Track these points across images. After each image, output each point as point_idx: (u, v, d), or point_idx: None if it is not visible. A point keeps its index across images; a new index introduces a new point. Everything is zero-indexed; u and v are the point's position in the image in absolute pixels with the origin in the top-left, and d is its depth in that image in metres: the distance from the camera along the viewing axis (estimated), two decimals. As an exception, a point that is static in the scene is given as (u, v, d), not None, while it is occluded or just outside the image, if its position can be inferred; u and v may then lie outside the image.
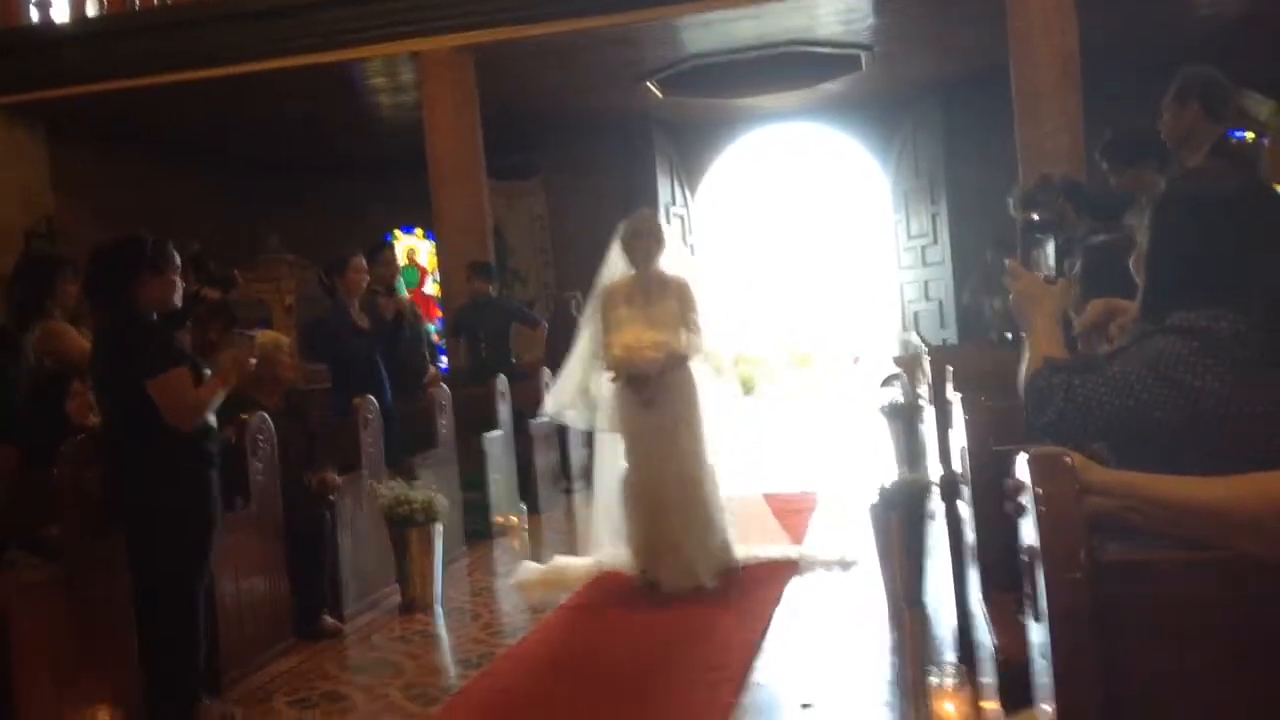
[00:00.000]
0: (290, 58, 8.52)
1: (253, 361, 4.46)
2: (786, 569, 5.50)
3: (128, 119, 9.56)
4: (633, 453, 5.37)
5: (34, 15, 9.25)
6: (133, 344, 3.84)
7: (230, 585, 4.43)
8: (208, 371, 3.99)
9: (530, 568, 5.83)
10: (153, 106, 9.18)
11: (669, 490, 5.25)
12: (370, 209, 11.70)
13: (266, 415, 4.86)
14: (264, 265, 11.18)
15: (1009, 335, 6.36)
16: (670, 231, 5.49)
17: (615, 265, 5.51)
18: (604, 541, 5.67)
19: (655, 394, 5.23)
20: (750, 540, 5.67)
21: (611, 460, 5.55)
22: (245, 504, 4.68)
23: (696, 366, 5.43)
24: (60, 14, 9.33)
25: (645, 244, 5.40)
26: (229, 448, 4.52)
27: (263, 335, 5.56)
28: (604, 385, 5.44)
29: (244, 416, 4.72)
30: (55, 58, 8.92)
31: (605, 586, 5.46)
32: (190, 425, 3.85)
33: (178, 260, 3.96)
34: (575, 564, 5.76)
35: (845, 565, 5.52)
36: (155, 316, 3.92)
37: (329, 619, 5.06)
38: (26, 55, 8.98)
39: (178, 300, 4.00)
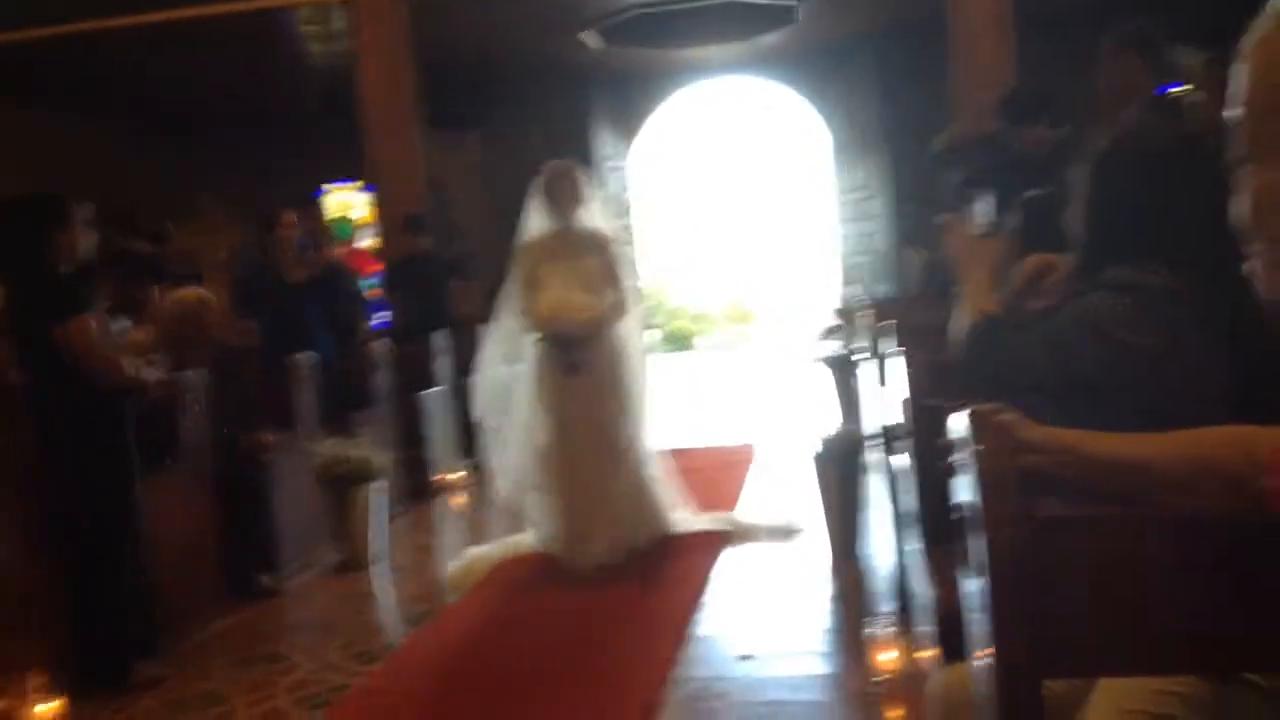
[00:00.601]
0: (220, 4, 8.27)
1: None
2: (722, 538, 5.23)
3: (48, 71, 9.24)
4: (554, 424, 4.96)
5: (-54, -42, 8.87)
6: (39, 295, 3.87)
7: (164, 546, 4.36)
8: (127, 323, 3.99)
9: (451, 567, 5.20)
10: (75, 57, 8.87)
11: (593, 461, 4.92)
12: (305, 162, 11.47)
13: (196, 373, 4.77)
14: (197, 220, 10.93)
15: (930, 288, 6.41)
16: (589, 182, 5.17)
17: (534, 219, 5.15)
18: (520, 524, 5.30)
19: (583, 359, 4.89)
20: (683, 508, 5.38)
21: (524, 432, 5.11)
22: (175, 463, 4.60)
23: (626, 328, 5.11)
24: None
25: (564, 195, 5.03)
26: (158, 405, 4.44)
27: (185, 292, 5.43)
28: (525, 351, 5.07)
29: (171, 375, 4.63)
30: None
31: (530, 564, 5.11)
32: (104, 378, 3.83)
33: (86, 214, 3.93)
34: (488, 553, 5.23)
35: (787, 534, 5.25)
36: (65, 271, 3.90)
37: (265, 579, 5.01)
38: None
39: (87, 253, 3.98)
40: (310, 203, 7.40)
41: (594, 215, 5.14)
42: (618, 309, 5.00)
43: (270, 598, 4.94)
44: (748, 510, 5.69)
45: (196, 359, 4.99)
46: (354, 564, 5.33)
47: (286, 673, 3.99)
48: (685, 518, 5.33)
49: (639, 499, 5.09)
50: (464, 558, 5.15)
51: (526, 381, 5.10)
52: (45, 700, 3.51)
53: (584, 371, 4.90)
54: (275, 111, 11.37)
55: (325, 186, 12.07)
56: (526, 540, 5.22)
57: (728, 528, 5.33)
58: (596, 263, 5.00)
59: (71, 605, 3.89)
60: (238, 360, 5.70)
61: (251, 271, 6.59)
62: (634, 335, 5.19)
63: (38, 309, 3.86)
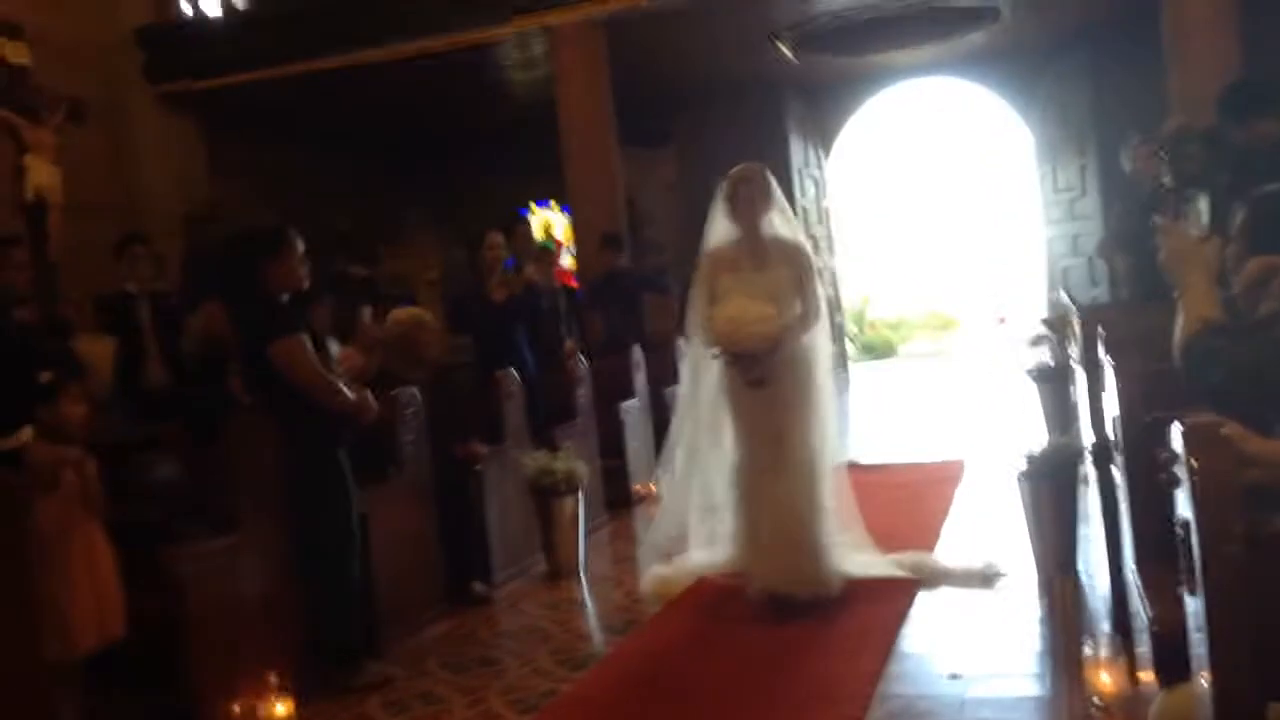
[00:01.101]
0: (428, 38, 8.71)
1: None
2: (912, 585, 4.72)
3: (276, 105, 9.93)
4: (742, 437, 4.70)
5: (186, 9, 9.66)
6: (256, 320, 4.20)
7: (386, 553, 4.61)
8: (335, 346, 4.25)
9: (648, 578, 5.14)
10: (299, 92, 9.51)
11: (782, 480, 4.58)
12: (508, 183, 11.88)
13: (415, 389, 5.02)
14: (408, 243, 11.50)
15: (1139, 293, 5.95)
16: (775, 187, 4.76)
17: (718, 227, 4.81)
18: (707, 541, 5.05)
19: (765, 374, 4.52)
20: (866, 546, 4.94)
21: (712, 445, 4.89)
22: (397, 474, 4.86)
23: (813, 340, 4.75)
24: (212, 8, 9.73)
25: (748, 201, 4.65)
26: (380, 420, 4.70)
27: (400, 312, 5.73)
28: (708, 362, 4.77)
29: (391, 391, 4.90)
30: (207, 49, 9.33)
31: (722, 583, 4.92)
32: (321, 394, 4.07)
33: (299, 245, 4.21)
34: (673, 575, 5.08)
35: (986, 579, 4.72)
36: (285, 298, 4.18)
37: (479, 585, 5.22)
38: (180, 47, 9.40)
39: (303, 281, 4.26)
40: (519, 222, 7.64)
41: (782, 222, 4.80)
42: (805, 321, 4.66)
43: (483, 604, 5.13)
44: (944, 549, 5.33)
45: (414, 376, 5.26)
46: (562, 572, 5.49)
47: (498, 676, 4.15)
48: (869, 560, 4.87)
49: (818, 529, 4.67)
50: (652, 576, 5.07)
51: (713, 396, 4.85)
52: (281, 699, 3.77)
53: (768, 385, 4.56)
54: (480, 136, 11.83)
55: (529, 207, 12.47)
56: (707, 559, 5.03)
57: (917, 573, 4.81)
58: (785, 273, 4.65)
59: (302, 611, 4.16)
60: (451, 376, 5.98)
61: (463, 291, 6.88)
62: (822, 348, 4.87)
63: (255, 332, 4.18)
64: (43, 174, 7.99)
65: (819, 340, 4.80)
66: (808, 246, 4.86)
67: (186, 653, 3.67)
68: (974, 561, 4.88)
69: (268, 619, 4.03)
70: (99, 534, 3.55)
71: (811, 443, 4.66)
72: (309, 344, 4.12)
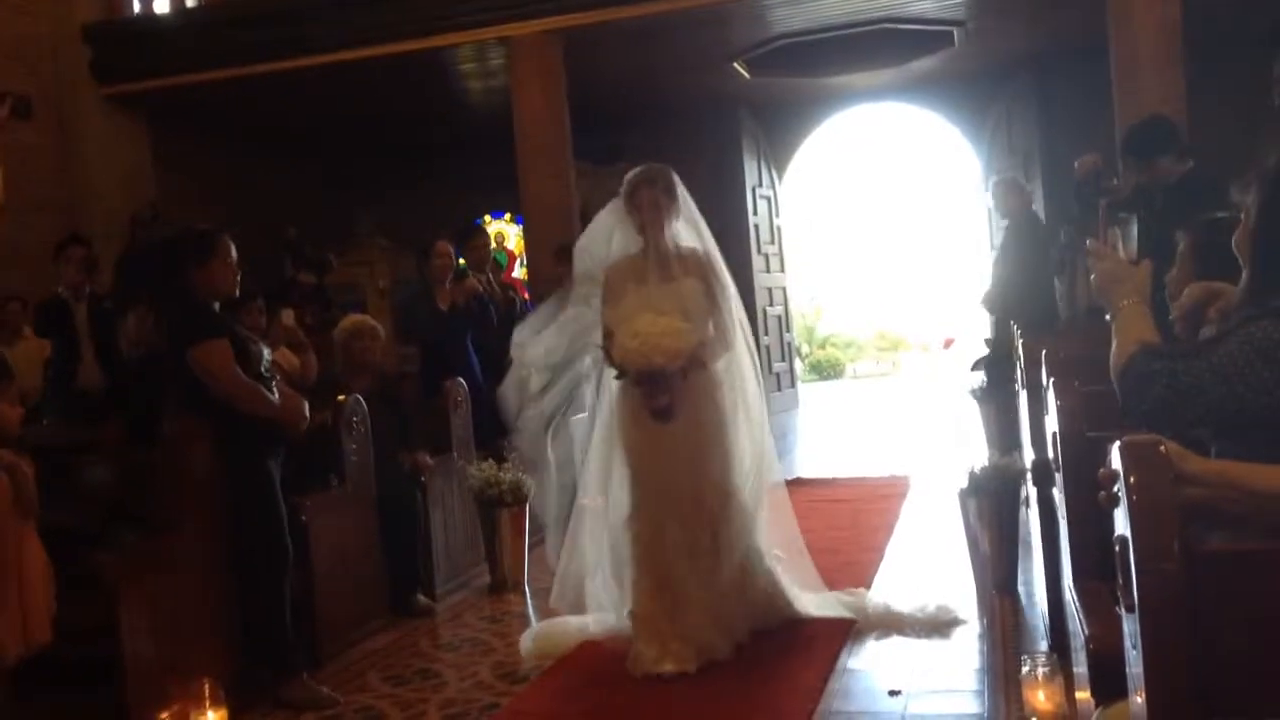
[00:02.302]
0: (383, 45, 8.65)
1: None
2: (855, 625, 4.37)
3: (225, 107, 9.81)
4: (640, 484, 4.11)
5: (136, 6, 9.52)
6: (178, 323, 4.16)
7: (327, 563, 4.54)
8: (265, 350, 4.18)
9: (526, 639, 4.49)
10: (249, 95, 9.40)
11: (689, 533, 4.03)
12: (460, 193, 11.84)
13: (360, 397, 4.97)
14: (358, 249, 11.41)
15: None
16: (682, 190, 4.26)
17: (601, 232, 4.36)
18: (601, 602, 4.43)
19: (673, 402, 3.97)
20: (812, 584, 4.52)
21: (608, 490, 4.33)
22: (340, 484, 4.80)
23: (732, 363, 4.29)
24: (161, 5, 9.60)
25: (653, 206, 4.14)
26: (323, 429, 4.65)
27: (347, 320, 5.68)
28: (606, 390, 4.29)
29: (340, 399, 4.84)
30: (156, 48, 9.19)
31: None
32: (243, 401, 4.00)
33: (230, 250, 4.15)
34: (566, 629, 4.47)
35: (938, 625, 4.28)
36: (216, 305, 4.13)
37: (421, 598, 5.17)
38: (129, 46, 9.26)
39: (233, 287, 4.19)
40: (473, 231, 7.59)
41: (690, 232, 4.33)
42: (721, 341, 4.18)
43: (425, 616, 5.08)
44: (888, 567, 5.31)
45: (360, 384, 5.20)
46: (505, 585, 5.45)
47: (438, 690, 4.10)
48: (811, 599, 4.47)
49: (746, 583, 4.19)
50: (538, 635, 4.47)
51: (603, 429, 4.31)
52: (214, 709, 3.70)
53: (674, 417, 3.99)
54: (435, 146, 11.78)
55: (483, 217, 12.42)
56: (599, 624, 4.40)
57: (862, 615, 4.41)
58: (694, 287, 4.15)
59: (237, 619, 4.09)
60: (398, 385, 5.93)
61: (411, 299, 6.82)
62: (743, 374, 4.36)
63: (178, 336, 4.12)
64: (-17, 172, 7.84)
65: (739, 364, 4.33)
66: (719, 258, 4.31)
67: (118, 659, 3.59)
68: (926, 604, 4.44)
69: (203, 626, 3.96)
70: (31, 538, 3.46)
71: (730, 483, 4.12)
72: (230, 349, 4.03)
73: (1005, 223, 7.85)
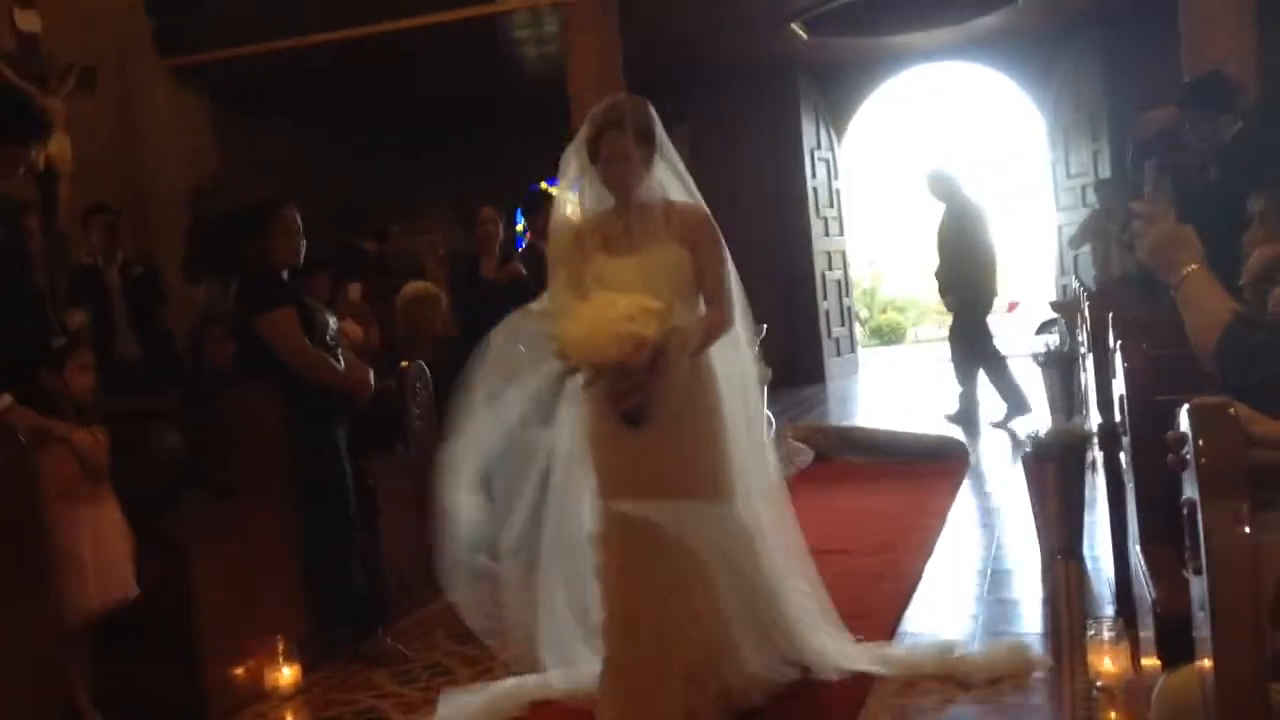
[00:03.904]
0: (439, 13, 8.67)
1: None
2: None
3: (285, 78, 9.89)
4: (608, 499, 3.18)
5: (198, -21, 9.62)
6: (246, 293, 4.30)
7: (394, 526, 4.63)
8: (331, 319, 4.25)
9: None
10: (308, 66, 9.48)
11: (668, 564, 3.11)
12: (520, 161, 11.86)
13: (423, 364, 5.03)
14: (418, 219, 11.50)
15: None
16: (661, 131, 3.26)
17: (572, 193, 3.39)
18: (559, 652, 3.49)
19: (645, 404, 3.04)
20: (835, 631, 3.51)
21: (572, 508, 3.35)
22: (405, 449, 4.88)
23: (730, 351, 3.34)
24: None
25: (620, 154, 3.15)
26: (388, 395, 4.72)
27: (410, 287, 5.74)
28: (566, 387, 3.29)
29: (404, 364, 4.91)
30: (217, 19, 9.28)
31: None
32: (308, 369, 4.08)
33: (294, 220, 4.22)
34: (507, 691, 3.54)
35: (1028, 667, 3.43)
36: (283, 275, 4.22)
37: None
38: (190, 17, 9.37)
39: (296, 256, 4.27)
40: (542, 199, 7.59)
41: (673, 181, 3.34)
42: (715, 325, 3.20)
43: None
44: (946, 542, 5.05)
45: (421, 350, 5.27)
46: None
47: (504, 648, 4.16)
48: (841, 650, 3.48)
49: (757, 622, 3.29)
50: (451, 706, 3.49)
51: (564, 437, 3.35)
52: (287, 665, 3.80)
53: (649, 422, 3.09)
54: (493, 113, 11.80)
55: (539, 184, 12.45)
56: (551, 682, 3.49)
57: (902, 669, 3.49)
58: (677, 254, 3.20)
59: (308, 579, 4.19)
60: (458, 351, 5.98)
61: (457, 268, 6.82)
62: (741, 363, 3.44)
63: (245, 305, 4.20)
64: (53, 142, 8.00)
65: (736, 351, 3.40)
66: (709, 216, 3.32)
67: (191, 621, 3.70)
68: (996, 655, 3.52)
69: (273, 587, 4.06)
70: (107, 500, 3.56)
71: (725, 502, 3.22)
72: (296, 318, 4.12)
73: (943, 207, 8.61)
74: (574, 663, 3.45)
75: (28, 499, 3.18)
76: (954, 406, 8.45)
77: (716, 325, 3.21)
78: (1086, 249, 9.46)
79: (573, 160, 3.30)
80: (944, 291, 8.64)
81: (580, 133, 3.24)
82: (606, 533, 3.19)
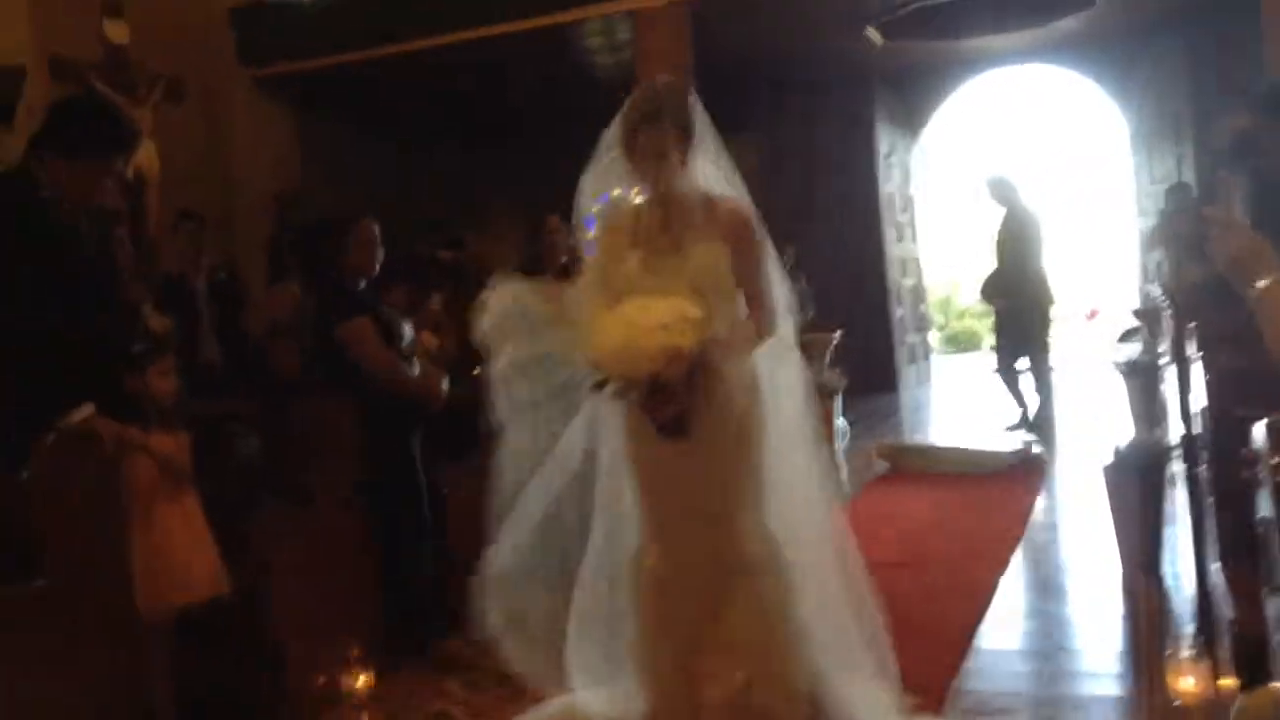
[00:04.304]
0: (514, 22, 8.76)
1: None
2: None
3: (366, 89, 10.08)
4: (650, 514, 3.02)
5: (280, -9, 9.84)
6: (326, 301, 4.36)
7: (468, 533, 4.67)
8: (408, 329, 4.33)
9: None
10: (387, 77, 9.64)
11: (711, 582, 2.96)
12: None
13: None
14: (490, 227, 11.63)
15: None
16: (703, 119, 3.07)
17: (605, 186, 3.22)
18: (593, 669, 3.27)
19: (684, 415, 2.83)
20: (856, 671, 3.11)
21: (610, 524, 3.14)
22: (481, 455, 4.92)
23: (776, 358, 3.10)
24: (304, -10, 9.90)
25: (658, 155, 2.95)
26: (464, 401, 4.78)
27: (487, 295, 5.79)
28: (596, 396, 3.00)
29: (476, 371, 4.96)
30: (300, 31, 9.48)
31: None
32: (385, 378, 4.16)
33: (373, 231, 4.34)
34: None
35: None
36: (361, 284, 4.34)
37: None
38: (274, 29, 9.58)
39: (374, 267, 4.39)
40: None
41: (714, 173, 3.11)
42: (758, 332, 2.99)
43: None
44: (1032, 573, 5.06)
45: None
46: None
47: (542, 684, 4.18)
48: (868, 706, 3.07)
49: (784, 654, 2.97)
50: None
51: (607, 442, 3.12)
52: (362, 671, 3.86)
53: (689, 432, 2.87)
54: (564, 122, 11.88)
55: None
56: (589, 705, 3.28)
57: None
58: (718, 252, 2.95)
59: (383, 586, 4.26)
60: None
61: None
62: (784, 371, 3.15)
63: (325, 314, 4.30)
64: (141, 152, 8.23)
65: (779, 359, 3.13)
66: (753, 214, 3.09)
67: (269, 624, 3.78)
68: None
69: (349, 592, 4.13)
70: (190, 502, 3.65)
71: (764, 535, 2.97)
72: (372, 327, 4.21)
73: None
74: (609, 682, 3.24)
75: (113, 510, 3.27)
76: (1026, 412, 8.50)
77: (759, 332, 2.98)
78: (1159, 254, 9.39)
79: (609, 150, 3.12)
80: (993, 296, 8.82)
81: (615, 125, 3.06)
82: (648, 549, 3.02)
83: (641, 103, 3.01)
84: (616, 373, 2.78)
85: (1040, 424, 8.31)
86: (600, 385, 2.85)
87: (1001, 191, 8.78)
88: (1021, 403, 8.52)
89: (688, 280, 2.89)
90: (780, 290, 3.08)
